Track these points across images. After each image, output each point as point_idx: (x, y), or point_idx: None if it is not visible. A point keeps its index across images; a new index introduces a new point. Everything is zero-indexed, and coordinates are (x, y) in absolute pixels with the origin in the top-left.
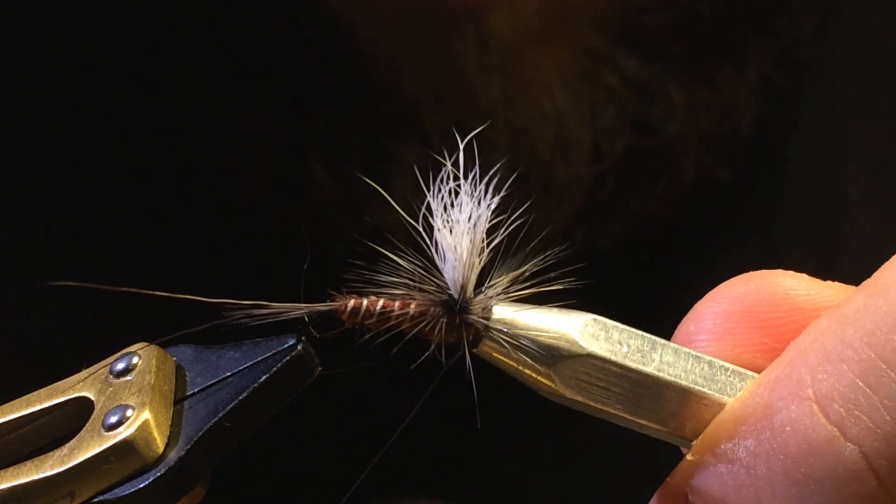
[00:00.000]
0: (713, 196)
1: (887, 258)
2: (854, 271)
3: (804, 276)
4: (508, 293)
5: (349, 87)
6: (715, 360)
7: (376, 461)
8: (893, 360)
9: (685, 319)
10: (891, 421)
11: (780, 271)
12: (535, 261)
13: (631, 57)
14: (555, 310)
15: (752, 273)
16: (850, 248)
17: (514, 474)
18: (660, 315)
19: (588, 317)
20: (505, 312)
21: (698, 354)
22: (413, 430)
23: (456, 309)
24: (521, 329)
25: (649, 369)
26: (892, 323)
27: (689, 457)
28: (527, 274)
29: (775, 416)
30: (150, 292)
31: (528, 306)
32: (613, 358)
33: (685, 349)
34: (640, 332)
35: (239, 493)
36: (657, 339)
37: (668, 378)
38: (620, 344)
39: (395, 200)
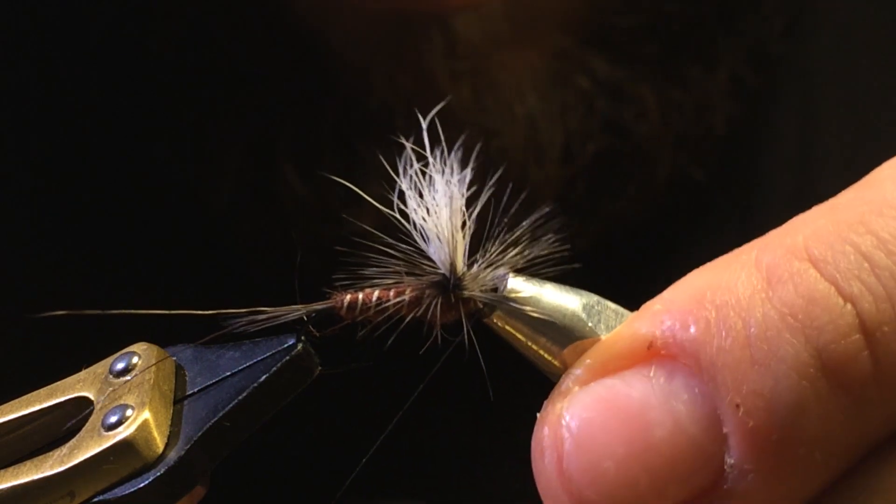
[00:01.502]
0: (689, 197)
1: None
2: None
3: None
4: (500, 263)
5: (321, 93)
6: None
7: (363, 458)
8: (883, 237)
9: None
10: (882, 289)
11: None
12: (523, 229)
13: (601, 59)
14: (563, 288)
15: None
16: None
17: (499, 472)
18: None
19: (594, 298)
20: (519, 285)
21: None
22: (401, 427)
23: (450, 287)
24: (534, 305)
25: None
26: (881, 204)
27: (657, 306)
28: (515, 244)
29: (772, 269)
30: (150, 311)
31: (539, 281)
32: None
33: None
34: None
35: (239, 493)
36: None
37: None
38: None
39: (368, 206)
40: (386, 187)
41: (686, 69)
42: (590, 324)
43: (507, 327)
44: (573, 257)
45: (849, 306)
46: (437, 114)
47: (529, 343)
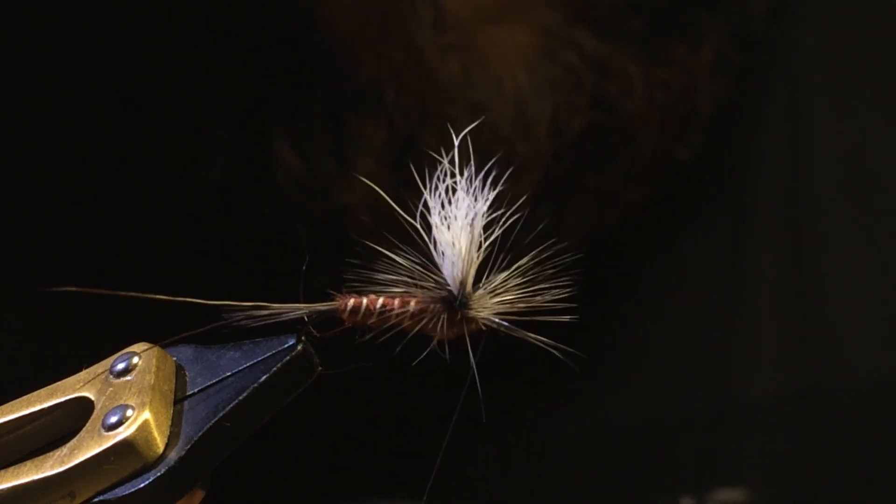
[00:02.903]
0: (677, 181)
1: (857, 243)
2: (824, 258)
3: None
4: (505, 287)
5: (311, 68)
6: None
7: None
8: None
9: None
10: None
11: None
12: (529, 257)
13: (588, 35)
14: None
15: None
16: (819, 235)
17: (492, 473)
18: (626, 315)
19: None
20: None
21: None
22: (395, 428)
23: (456, 304)
24: None
25: None
26: None
27: None
28: (521, 269)
29: None
30: (152, 296)
31: None
32: None
33: None
34: None
35: (239, 493)
36: None
37: None
38: None
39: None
40: (376, 162)
41: (671, 47)
42: None
43: None
44: (562, 238)
45: None
46: (427, 89)
47: None
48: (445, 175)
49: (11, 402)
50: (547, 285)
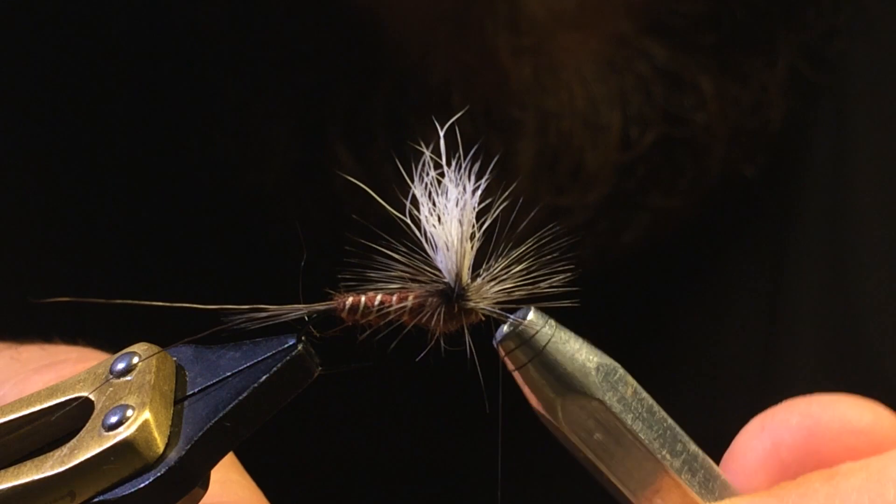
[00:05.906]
0: (737, 199)
1: None
2: (868, 279)
3: (868, 405)
4: (503, 278)
5: (374, 69)
6: (709, 461)
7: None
8: None
9: (731, 450)
10: None
11: (841, 399)
12: (530, 244)
13: (661, 46)
14: (587, 343)
15: (809, 400)
16: (863, 255)
17: (503, 481)
18: (668, 332)
19: (614, 364)
20: (539, 319)
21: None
22: (402, 434)
23: (454, 297)
24: (550, 347)
25: (645, 438)
26: None
27: None
28: (522, 259)
29: None
30: (146, 303)
31: (562, 328)
32: (620, 414)
33: (686, 438)
34: (653, 402)
35: None
36: (666, 416)
37: (657, 454)
38: (632, 404)
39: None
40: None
41: (746, 62)
42: (601, 385)
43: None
44: (619, 252)
45: None
46: (497, 92)
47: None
48: (430, 167)
49: (11, 402)
50: (547, 271)
